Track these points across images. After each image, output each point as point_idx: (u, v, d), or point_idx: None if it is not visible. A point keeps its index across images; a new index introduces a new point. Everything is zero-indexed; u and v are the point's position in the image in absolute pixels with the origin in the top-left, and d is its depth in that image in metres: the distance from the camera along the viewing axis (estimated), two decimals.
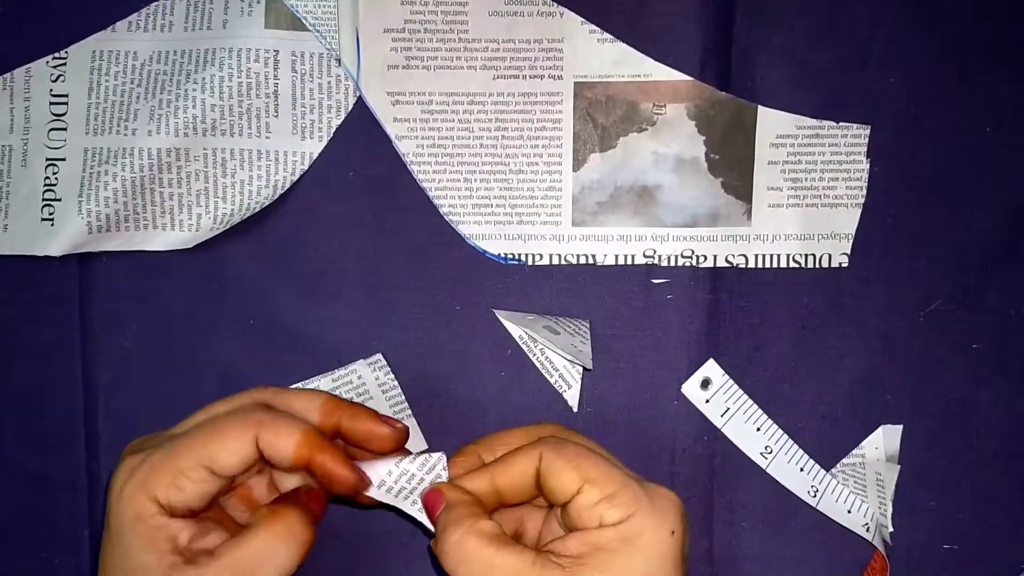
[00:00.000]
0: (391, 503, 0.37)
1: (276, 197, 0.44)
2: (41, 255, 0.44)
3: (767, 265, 0.45)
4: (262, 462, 0.36)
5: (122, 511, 0.35)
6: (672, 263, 0.45)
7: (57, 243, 0.44)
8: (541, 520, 0.38)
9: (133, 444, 0.37)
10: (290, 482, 0.39)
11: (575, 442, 0.36)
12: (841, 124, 0.44)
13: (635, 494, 0.34)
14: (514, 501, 0.37)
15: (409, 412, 0.44)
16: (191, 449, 0.35)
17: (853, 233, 0.44)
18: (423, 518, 0.37)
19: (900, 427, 0.45)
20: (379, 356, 0.44)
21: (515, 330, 0.44)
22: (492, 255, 0.45)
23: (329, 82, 0.44)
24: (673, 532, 0.34)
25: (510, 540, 0.34)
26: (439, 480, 0.37)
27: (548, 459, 0.35)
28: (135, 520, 0.35)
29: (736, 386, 0.45)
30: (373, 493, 0.37)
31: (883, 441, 0.45)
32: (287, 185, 0.44)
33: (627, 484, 0.34)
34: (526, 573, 0.33)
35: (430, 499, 0.36)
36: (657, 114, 0.44)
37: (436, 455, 0.37)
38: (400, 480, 0.37)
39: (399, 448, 0.38)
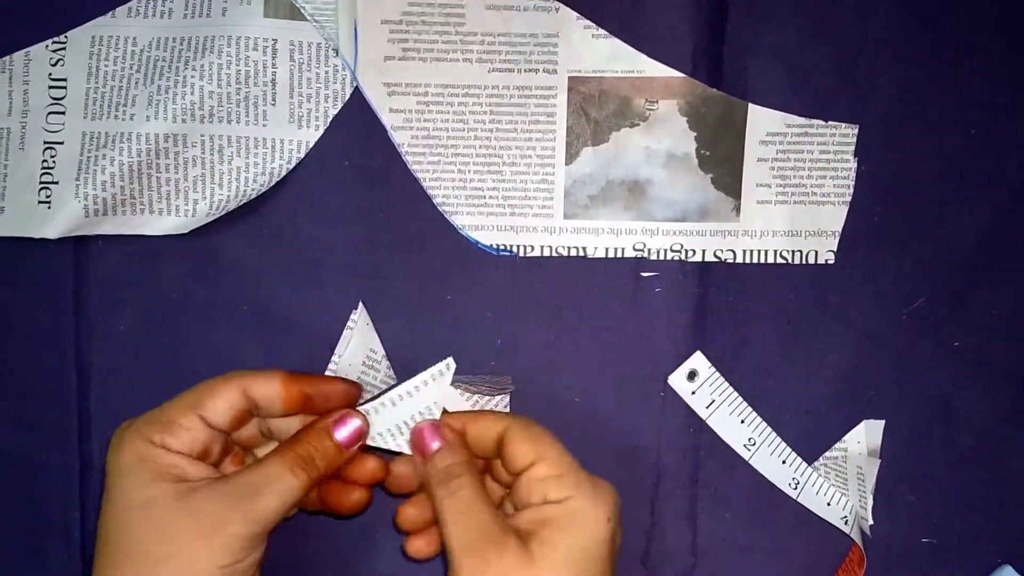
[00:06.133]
0: (385, 442, 0.39)
1: (272, 185, 0.45)
2: (37, 237, 0.44)
3: (754, 261, 0.45)
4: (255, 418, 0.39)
5: (123, 455, 0.36)
6: (661, 257, 0.45)
7: (53, 226, 0.44)
8: (499, 497, 0.41)
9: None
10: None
11: (541, 427, 0.39)
12: (830, 123, 0.45)
13: (579, 479, 0.37)
14: (474, 454, 0.39)
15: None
16: (183, 401, 0.37)
17: (839, 231, 0.45)
18: (407, 449, 0.39)
19: (882, 422, 0.45)
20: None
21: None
22: (484, 246, 0.45)
23: (327, 72, 0.45)
24: (608, 519, 0.36)
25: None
26: (431, 416, 0.39)
27: (513, 429, 0.38)
28: (139, 460, 0.36)
29: (722, 379, 0.45)
30: (376, 420, 0.39)
31: (865, 436, 0.45)
32: (283, 173, 0.45)
33: (574, 468, 0.37)
34: (505, 537, 0.35)
35: (426, 432, 0.39)
36: (649, 110, 0.45)
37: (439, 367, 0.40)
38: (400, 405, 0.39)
39: (354, 404, 0.40)
